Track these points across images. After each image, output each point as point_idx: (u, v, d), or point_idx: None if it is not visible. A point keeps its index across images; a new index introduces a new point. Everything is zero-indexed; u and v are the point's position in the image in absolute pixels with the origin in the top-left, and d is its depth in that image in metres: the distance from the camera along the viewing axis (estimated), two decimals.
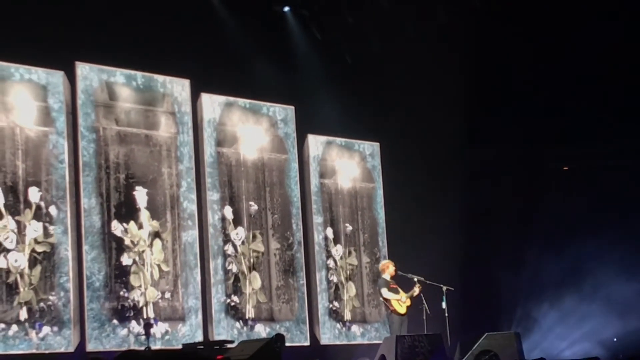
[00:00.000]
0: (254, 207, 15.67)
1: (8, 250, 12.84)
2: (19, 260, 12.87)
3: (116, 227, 13.85)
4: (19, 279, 12.78)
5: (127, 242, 13.91)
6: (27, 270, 12.88)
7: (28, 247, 12.97)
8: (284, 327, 15.60)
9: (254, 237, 15.56)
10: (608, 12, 16.83)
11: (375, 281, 16.63)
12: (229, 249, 15.20)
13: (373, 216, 17.64)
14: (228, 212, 15.27)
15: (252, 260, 15.47)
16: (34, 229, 13.05)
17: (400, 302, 14.46)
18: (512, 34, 17.52)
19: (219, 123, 15.47)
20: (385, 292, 14.60)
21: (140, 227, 14.09)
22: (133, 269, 13.90)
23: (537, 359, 13.08)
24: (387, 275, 14.82)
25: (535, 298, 17.71)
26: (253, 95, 16.02)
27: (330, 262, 16.74)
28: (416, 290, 14.45)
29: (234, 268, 15.20)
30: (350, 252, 17.10)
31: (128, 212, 14.02)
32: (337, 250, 16.90)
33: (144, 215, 14.16)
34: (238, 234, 15.36)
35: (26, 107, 13.26)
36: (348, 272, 16.95)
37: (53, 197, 13.28)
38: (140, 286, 13.91)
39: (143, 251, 14.05)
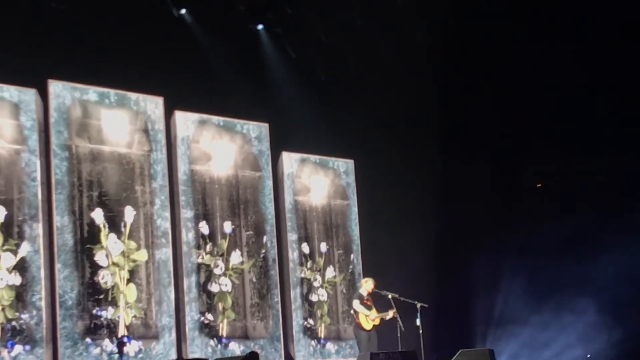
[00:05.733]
0: (231, 225, 15.66)
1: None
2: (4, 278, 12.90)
3: (116, 243, 13.92)
4: None
5: (114, 258, 13.89)
6: None
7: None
8: (259, 344, 15.57)
9: (229, 255, 15.57)
10: (586, 27, 16.96)
11: (350, 298, 16.65)
12: (218, 268, 15.23)
13: (347, 233, 17.65)
14: (205, 229, 15.27)
15: (235, 278, 15.51)
16: (25, 249, 13.09)
17: (369, 318, 14.49)
18: (487, 51, 17.63)
19: (193, 141, 15.46)
20: (356, 304, 14.62)
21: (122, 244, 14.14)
22: (110, 287, 13.84)
23: None
24: (364, 290, 14.85)
25: (510, 315, 17.74)
26: (227, 112, 16.01)
27: (317, 280, 16.77)
28: (390, 314, 14.45)
29: (219, 287, 15.22)
30: (334, 270, 17.14)
31: (114, 229, 14.03)
32: (328, 269, 16.96)
33: (126, 233, 14.16)
34: (233, 254, 15.43)
35: None
36: (328, 290, 16.96)
37: (25, 215, 13.21)
38: (115, 304, 13.84)
39: (121, 269, 14.00)
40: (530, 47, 17.54)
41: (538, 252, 17.71)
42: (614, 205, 17.92)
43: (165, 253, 14.65)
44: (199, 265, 15.11)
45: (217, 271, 15.30)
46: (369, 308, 14.61)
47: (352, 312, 14.82)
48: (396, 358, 13.29)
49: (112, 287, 13.86)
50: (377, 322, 14.55)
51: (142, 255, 14.28)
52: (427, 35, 17.40)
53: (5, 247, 12.92)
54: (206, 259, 15.19)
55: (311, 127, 16.95)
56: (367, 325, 14.49)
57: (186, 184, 15.22)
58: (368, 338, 14.45)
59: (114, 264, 13.92)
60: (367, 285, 14.89)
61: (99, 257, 13.81)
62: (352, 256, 17.59)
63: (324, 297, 16.91)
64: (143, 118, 14.76)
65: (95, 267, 13.78)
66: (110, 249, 13.93)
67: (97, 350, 13.58)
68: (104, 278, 13.80)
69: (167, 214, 14.81)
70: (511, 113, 17.93)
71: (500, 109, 17.79)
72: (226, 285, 15.38)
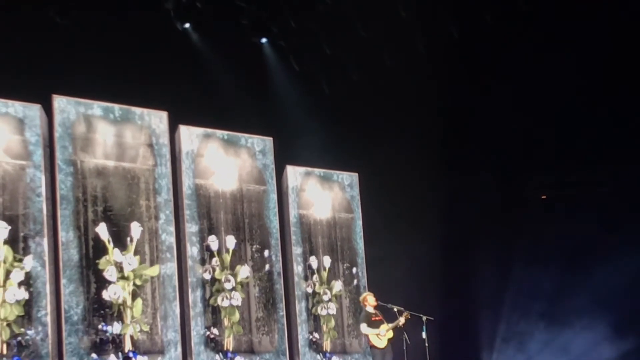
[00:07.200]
0: (234, 240, 15.62)
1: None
2: (16, 294, 12.84)
3: (130, 259, 13.89)
4: None
5: (124, 273, 13.85)
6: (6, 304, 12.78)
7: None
8: (264, 359, 15.53)
9: (234, 268, 15.53)
10: (589, 38, 16.96)
11: (355, 311, 16.61)
12: (229, 282, 15.20)
13: (352, 246, 17.62)
14: (215, 244, 15.24)
15: (241, 292, 15.47)
16: (31, 265, 13.03)
17: (380, 336, 14.42)
18: (490, 63, 17.62)
19: (197, 155, 15.43)
20: (364, 327, 14.56)
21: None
22: (117, 301, 13.78)
23: None
24: (369, 308, 14.76)
25: (516, 327, 17.71)
26: (231, 126, 15.99)
27: (327, 294, 16.75)
28: (402, 320, 14.39)
29: (229, 301, 15.18)
30: (340, 284, 17.12)
31: (119, 244, 13.98)
32: (333, 282, 16.93)
33: (132, 248, 14.12)
34: (239, 268, 15.39)
35: (3, 141, 13.18)
36: (335, 303, 16.93)
37: (30, 231, 13.17)
38: (121, 319, 13.80)
39: (128, 284, 13.96)
40: (533, 58, 17.54)
41: (543, 264, 17.68)
42: (619, 215, 17.89)
43: (170, 268, 14.61)
44: (206, 280, 15.04)
45: (227, 285, 15.25)
46: (378, 324, 14.53)
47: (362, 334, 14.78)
48: None
49: (122, 302, 13.81)
50: (390, 335, 14.48)
51: (154, 271, 14.25)
52: (431, 47, 17.39)
53: (15, 264, 12.89)
54: (216, 273, 15.15)
55: (315, 141, 16.95)
56: (381, 343, 14.42)
57: (191, 198, 15.19)
58: (382, 355, 14.42)
59: (122, 278, 13.88)
60: (370, 301, 14.82)
61: (108, 272, 13.75)
62: (355, 270, 17.54)
63: (333, 311, 16.86)
64: (147, 132, 14.74)
65: (101, 282, 13.74)
66: (124, 264, 13.88)
67: None
68: (117, 294, 13.75)
69: (172, 229, 14.78)
70: (515, 124, 17.91)
71: (503, 121, 17.78)
72: (237, 299, 15.34)
